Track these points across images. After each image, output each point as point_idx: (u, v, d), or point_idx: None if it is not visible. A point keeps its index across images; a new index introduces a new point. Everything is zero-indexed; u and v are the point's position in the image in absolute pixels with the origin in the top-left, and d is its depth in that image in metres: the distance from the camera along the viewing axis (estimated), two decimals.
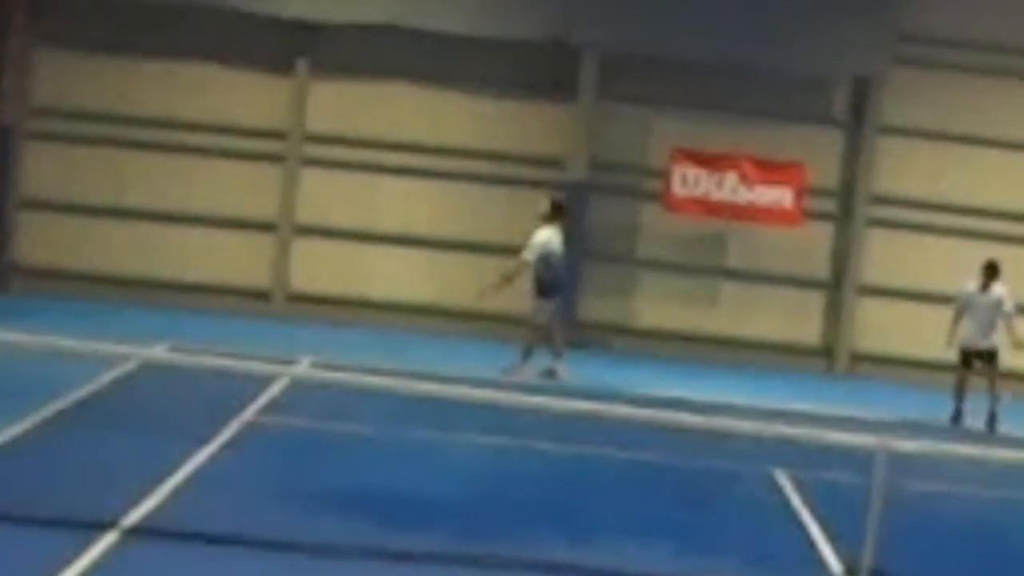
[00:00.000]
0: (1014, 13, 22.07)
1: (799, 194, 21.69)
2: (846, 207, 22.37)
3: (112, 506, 10.15)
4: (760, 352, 22.24)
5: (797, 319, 22.46)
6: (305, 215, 22.22)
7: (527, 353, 18.83)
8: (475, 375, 16.73)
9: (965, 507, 13.92)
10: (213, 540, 9.86)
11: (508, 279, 18.68)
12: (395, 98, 22.16)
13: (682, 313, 22.40)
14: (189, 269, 22.11)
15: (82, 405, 14.03)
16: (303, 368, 15.90)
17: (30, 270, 22.07)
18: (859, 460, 10.85)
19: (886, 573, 10.05)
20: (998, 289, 18.66)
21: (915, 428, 16.66)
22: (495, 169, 22.19)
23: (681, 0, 21.70)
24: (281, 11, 21.57)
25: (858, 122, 22.27)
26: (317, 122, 22.16)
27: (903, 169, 22.21)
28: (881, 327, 22.28)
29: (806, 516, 12.39)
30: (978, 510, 13.84)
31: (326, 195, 22.17)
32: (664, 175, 21.72)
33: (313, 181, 22.18)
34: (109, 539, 9.50)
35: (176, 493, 10.91)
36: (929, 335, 20.19)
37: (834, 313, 22.43)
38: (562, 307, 19.52)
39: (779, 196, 21.62)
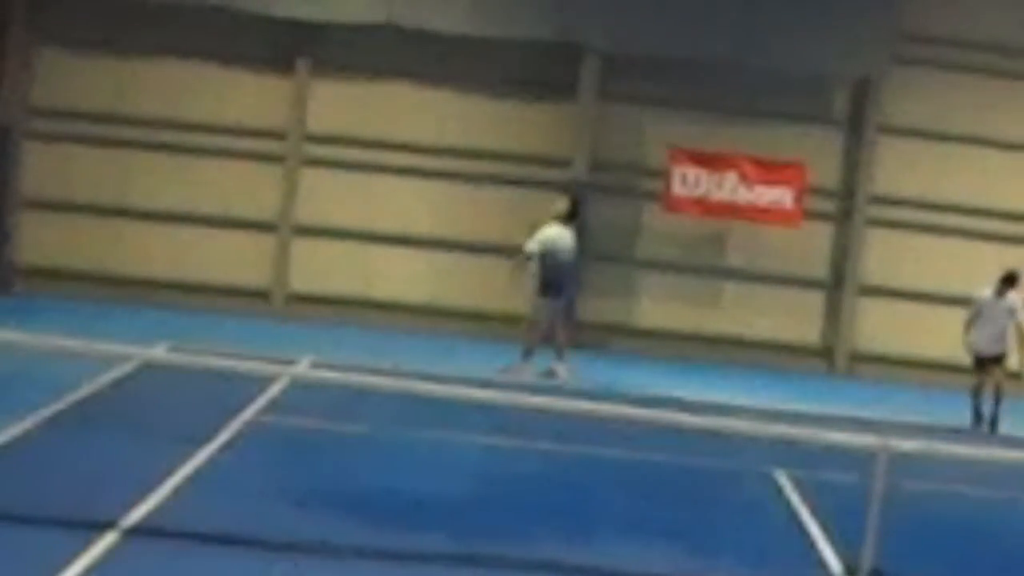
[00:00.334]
0: (1014, 13, 22.08)
1: (799, 194, 21.69)
2: (846, 207, 22.37)
3: (112, 506, 10.15)
4: (760, 352, 22.24)
5: (797, 319, 22.46)
6: (305, 215, 22.22)
7: (527, 353, 18.84)
8: (475, 375, 16.73)
9: (965, 507, 13.91)
10: (213, 540, 9.86)
11: (518, 266, 18.81)
12: (395, 98, 22.15)
13: (682, 313, 22.40)
14: (189, 269, 22.11)
15: (82, 405, 14.03)
16: (303, 368, 15.88)
17: (30, 270, 22.06)
18: (859, 460, 10.86)
19: (886, 573, 10.06)
20: (1012, 296, 18.70)
21: (915, 428, 16.64)
22: (495, 169, 22.19)
23: (681, 0, 21.72)
24: (281, 11, 21.54)
25: (858, 122, 22.27)
26: (317, 122, 22.15)
27: (903, 169, 22.20)
28: (881, 327, 22.28)
29: (806, 516, 12.39)
30: (978, 510, 13.83)
31: (326, 195, 22.17)
32: (664, 175, 21.73)
33: (313, 181, 22.17)
34: (109, 539, 9.50)
35: (176, 493, 10.91)
36: (929, 335, 20.20)
37: (834, 313, 22.42)
38: (568, 309, 19.53)
39: (779, 196, 21.62)
